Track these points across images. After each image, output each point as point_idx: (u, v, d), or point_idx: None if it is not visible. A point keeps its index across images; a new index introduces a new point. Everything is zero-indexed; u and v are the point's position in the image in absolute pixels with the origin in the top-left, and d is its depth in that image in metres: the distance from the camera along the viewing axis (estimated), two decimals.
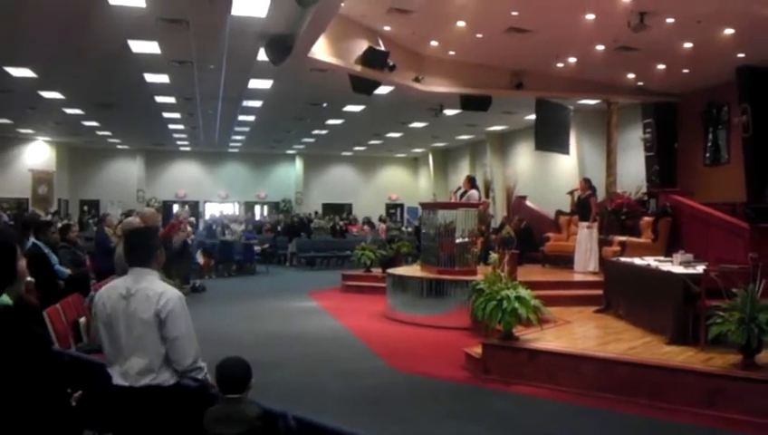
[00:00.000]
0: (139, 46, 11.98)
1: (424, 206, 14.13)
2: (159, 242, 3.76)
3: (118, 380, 3.43)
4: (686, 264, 8.29)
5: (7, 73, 14.05)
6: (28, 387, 2.00)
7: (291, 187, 33.92)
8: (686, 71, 13.46)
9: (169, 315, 3.39)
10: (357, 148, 30.70)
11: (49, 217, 15.49)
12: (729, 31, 10.89)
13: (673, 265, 8.36)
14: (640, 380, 6.68)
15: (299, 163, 33.94)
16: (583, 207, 12.46)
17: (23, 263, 2.29)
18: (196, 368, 3.50)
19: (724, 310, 6.37)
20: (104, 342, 3.54)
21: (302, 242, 22.66)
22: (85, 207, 29.69)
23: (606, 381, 6.84)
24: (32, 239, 6.34)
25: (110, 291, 3.57)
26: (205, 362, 3.59)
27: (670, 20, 10.40)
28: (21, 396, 1.98)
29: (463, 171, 25.47)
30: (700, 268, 7.78)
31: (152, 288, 3.45)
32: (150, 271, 3.55)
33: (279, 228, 25.08)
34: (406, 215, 33.40)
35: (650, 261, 9.08)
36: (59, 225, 10.93)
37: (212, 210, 31.29)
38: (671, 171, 15.78)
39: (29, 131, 25.35)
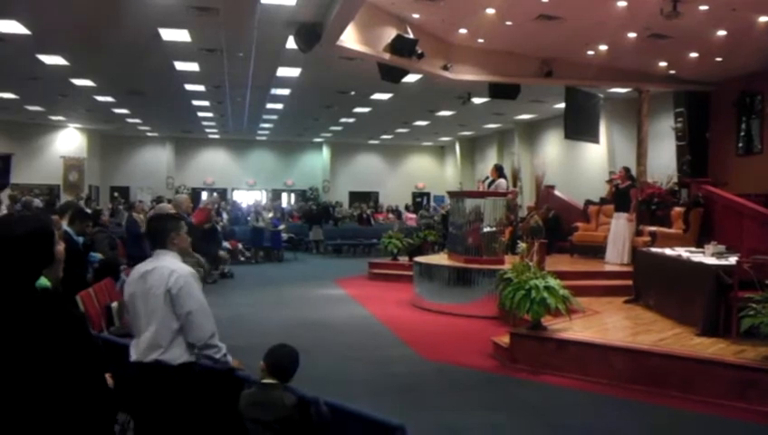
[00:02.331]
0: (169, 34, 12.08)
1: (452, 194, 14.10)
2: (175, 226, 3.89)
3: (132, 355, 3.60)
4: (718, 255, 8.19)
5: (40, 61, 14.24)
6: (69, 368, 2.04)
7: (318, 175, 34.02)
8: (719, 59, 13.21)
9: (180, 291, 3.54)
10: (384, 136, 30.68)
11: (92, 208, 15.70)
12: (764, 19, 10.67)
13: (705, 257, 8.27)
14: (671, 371, 6.63)
15: (326, 151, 34.02)
16: (622, 197, 12.27)
17: (60, 247, 2.33)
18: (213, 345, 3.60)
19: (758, 302, 6.30)
20: (130, 319, 3.76)
21: (328, 230, 22.73)
22: (115, 194, 30.05)
23: (636, 373, 6.81)
24: (64, 226, 6.43)
25: (134, 272, 3.79)
26: (224, 344, 3.68)
27: (704, 7, 10.20)
28: (62, 377, 2.02)
29: (490, 160, 25.33)
30: (732, 260, 7.69)
31: (166, 266, 3.63)
32: (168, 251, 3.73)
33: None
34: (432, 203, 33.35)
35: (682, 252, 8.99)
36: (87, 210, 11.08)
37: (239, 197, 31.53)
38: (703, 161, 15.53)
39: (60, 118, 25.68)
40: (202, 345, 3.56)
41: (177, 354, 3.53)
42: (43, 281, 2.22)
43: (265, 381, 3.48)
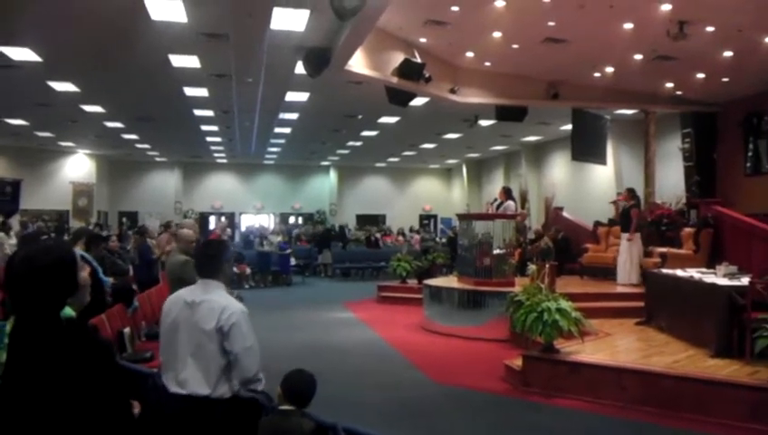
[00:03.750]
0: (179, 60, 12.20)
1: (461, 217, 14.11)
2: (230, 256, 3.79)
3: (174, 387, 3.48)
4: (730, 276, 8.17)
5: (50, 88, 14.39)
6: (96, 397, 2.04)
7: (325, 198, 34.10)
8: (725, 79, 13.26)
9: (232, 329, 3.43)
10: (391, 159, 30.79)
11: (103, 233, 15.77)
12: None
13: (717, 277, 8.24)
14: (684, 393, 6.58)
15: (333, 174, 34.14)
16: (626, 217, 12.30)
17: (85, 273, 2.33)
18: (257, 380, 3.52)
19: None
20: (163, 347, 3.61)
21: (337, 253, 22.73)
22: (124, 219, 30.15)
23: (649, 395, 6.76)
24: (80, 251, 6.46)
25: (176, 298, 3.65)
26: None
27: (710, 29, 10.27)
28: (90, 407, 2.02)
29: (497, 182, 25.37)
30: (745, 280, 7.66)
31: (217, 300, 3.50)
32: (218, 283, 3.62)
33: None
34: (440, 226, 33.36)
35: (693, 273, 8.95)
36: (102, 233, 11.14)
37: (248, 222, 31.61)
38: (711, 182, 15.53)
39: (70, 144, 25.87)
40: (246, 381, 3.48)
41: (225, 390, 3.45)
42: (68, 311, 2.22)
43: (283, 407, 3.47)
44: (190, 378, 3.44)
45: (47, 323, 2.08)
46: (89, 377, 2.03)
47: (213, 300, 3.51)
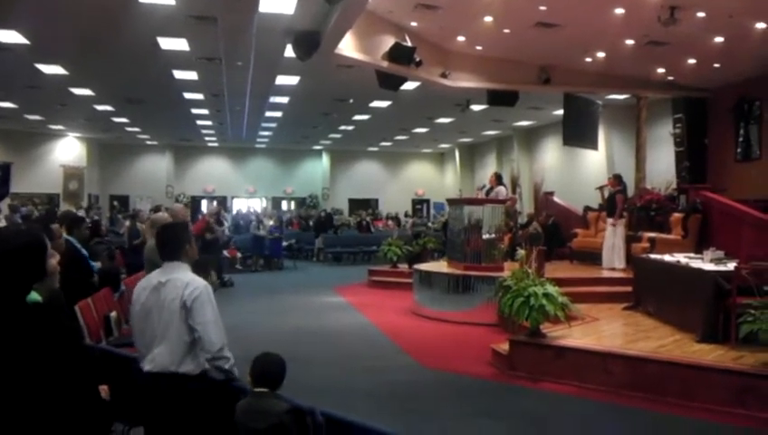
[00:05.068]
0: (168, 43, 12.11)
1: (450, 202, 14.10)
2: (189, 236, 3.88)
3: (147, 366, 3.58)
4: (716, 261, 8.19)
5: (39, 70, 14.27)
6: (59, 380, 2.05)
7: (318, 182, 34.05)
8: (717, 65, 13.25)
9: (195, 303, 3.52)
10: (383, 143, 30.74)
11: (81, 213, 15.71)
12: (761, 25, 10.70)
13: (703, 263, 8.27)
14: (670, 378, 6.62)
15: (326, 158, 34.07)
16: (611, 203, 12.38)
17: (53, 260, 2.33)
18: (223, 356, 3.58)
19: (756, 308, 6.30)
20: (136, 331, 3.70)
21: (328, 237, 22.73)
22: (115, 203, 30.05)
23: (635, 380, 6.80)
24: (64, 235, 6.43)
25: (146, 283, 3.75)
26: (233, 355, 3.66)
27: (701, 14, 10.24)
28: (52, 389, 2.02)
29: (489, 167, 25.39)
30: (731, 265, 7.69)
31: (180, 278, 3.61)
32: (181, 263, 3.71)
33: (311, 223, 25.13)
34: (432, 210, 33.36)
35: (680, 258, 8.99)
36: (88, 220, 11.09)
37: (240, 205, 31.56)
38: (702, 167, 15.56)
39: (60, 128, 25.73)
40: (212, 356, 3.55)
41: (193, 367, 3.55)
42: (34, 295, 2.21)
43: (256, 389, 3.50)
44: (158, 355, 3.55)
45: (11, 306, 2.07)
46: (51, 360, 2.04)
47: (177, 278, 3.61)
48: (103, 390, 2.87)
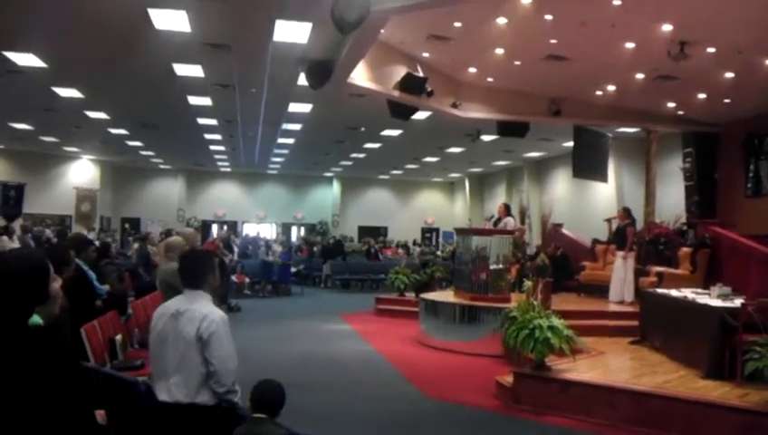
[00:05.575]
0: (183, 69, 12.28)
1: (459, 231, 14.11)
2: (213, 265, 3.86)
3: (162, 396, 3.57)
4: (723, 297, 8.15)
5: (55, 93, 14.48)
6: (54, 403, 2.06)
7: (328, 209, 34.15)
8: (727, 100, 13.28)
9: (212, 337, 3.51)
10: (394, 171, 30.87)
11: (92, 236, 15.84)
12: None
13: (710, 298, 8.24)
14: (675, 414, 6.57)
15: (336, 185, 34.21)
16: (620, 236, 12.35)
17: (56, 284, 2.35)
18: (234, 391, 3.59)
19: (762, 345, 6.26)
20: (153, 356, 3.71)
21: (336, 264, 22.76)
22: (126, 225, 30.22)
23: (640, 415, 6.75)
24: (76, 260, 6.49)
25: (164, 310, 3.74)
26: (238, 382, 3.67)
27: (711, 50, 10.29)
28: (47, 412, 2.04)
29: (499, 197, 25.41)
30: (738, 302, 7.65)
31: (199, 309, 3.59)
32: (202, 293, 3.69)
33: (315, 250, 25.21)
34: (441, 239, 33.36)
35: (687, 293, 8.95)
36: (97, 242, 11.16)
37: (250, 231, 31.66)
38: (711, 202, 15.51)
39: (74, 150, 25.97)
40: (224, 392, 3.55)
41: (208, 398, 3.54)
42: (36, 319, 2.24)
43: (255, 415, 3.51)
44: (175, 386, 3.54)
45: (12, 329, 2.10)
46: (46, 384, 2.05)
47: (195, 309, 3.59)
48: (99, 414, 2.88)
